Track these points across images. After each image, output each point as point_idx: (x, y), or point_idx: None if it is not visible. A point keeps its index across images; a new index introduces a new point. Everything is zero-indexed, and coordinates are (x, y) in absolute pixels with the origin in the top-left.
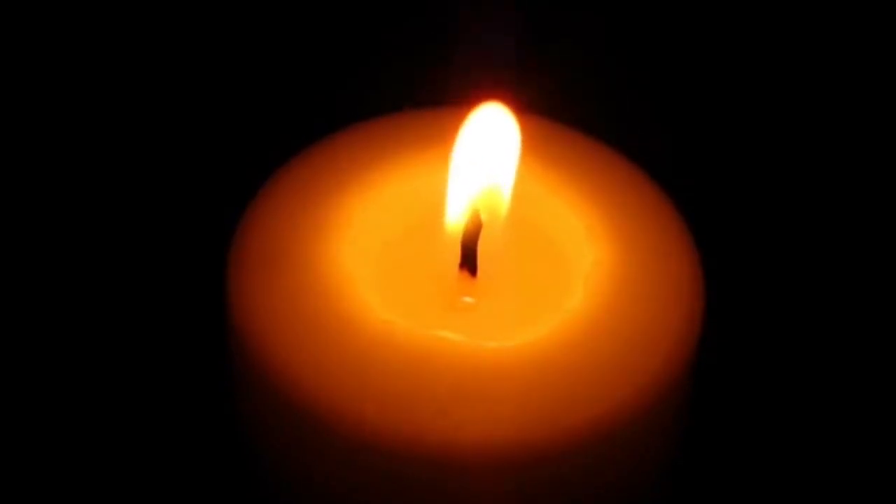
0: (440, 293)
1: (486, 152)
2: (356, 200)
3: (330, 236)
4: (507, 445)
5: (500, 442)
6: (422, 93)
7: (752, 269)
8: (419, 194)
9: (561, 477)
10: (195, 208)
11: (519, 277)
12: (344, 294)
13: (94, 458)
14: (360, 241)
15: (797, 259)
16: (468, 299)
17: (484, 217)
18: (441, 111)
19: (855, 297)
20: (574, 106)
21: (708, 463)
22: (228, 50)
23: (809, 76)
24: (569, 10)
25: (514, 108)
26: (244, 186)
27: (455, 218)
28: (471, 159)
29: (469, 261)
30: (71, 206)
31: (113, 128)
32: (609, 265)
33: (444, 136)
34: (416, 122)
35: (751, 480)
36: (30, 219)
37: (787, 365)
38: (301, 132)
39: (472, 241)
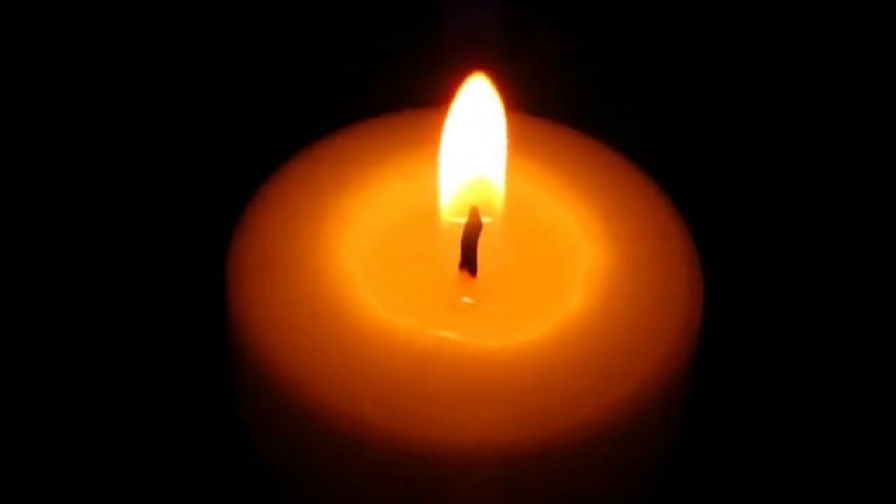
0: (440, 293)
1: (473, 139)
2: (355, 200)
3: (329, 236)
4: (506, 445)
5: (499, 441)
6: (420, 93)
7: (752, 269)
8: (419, 194)
9: (560, 476)
10: (195, 209)
11: (518, 277)
12: (343, 294)
13: (95, 458)
14: (359, 241)
15: (797, 259)
16: (468, 299)
17: (483, 216)
18: (439, 111)
19: (855, 296)
20: (573, 105)
21: (708, 463)
22: (228, 50)
23: (809, 76)
24: (568, 8)
25: (500, 92)
26: (244, 186)
27: (448, 207)
28: (458, 147)
29: (469, 261)
30: (71, 207)
31: (113, 128)
32: (608, 265)
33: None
34: (415, 122)
35: (751, 480)
36: (30, 219)
37: (787, 365)
38: (301, 132)
39: (472, 241)
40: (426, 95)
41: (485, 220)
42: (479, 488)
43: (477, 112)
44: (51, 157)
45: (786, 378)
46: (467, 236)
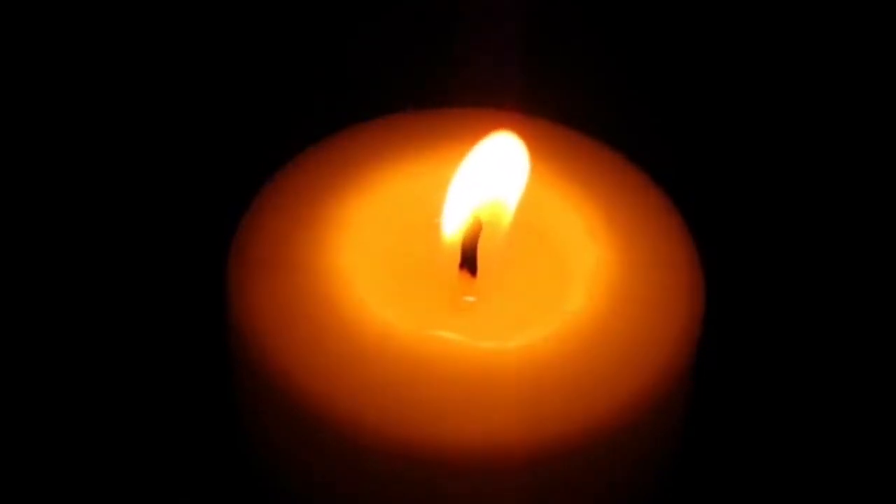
0: (440, 294)
1: (492, 173)
2: (356, 201)
3: (330, 237)
4: (506, 447)
5: (499, 443)
6: (422, 94)
7: (753, 270)
8: (419, 195)
9: (560, 478)
10: (196, 209)
11: (519, 278)
12: (344, 294)
13: (95, 458)
14: (359, 242)
15: (797, 259)
16: (469, 299)
17: (485, 220)
18: (441, 113)
19: (855, 297)
20: (575, 107)
21: (708, 463)
22: (228, 50)
23: (809, 76)
24: (569, 10)
25: (521, 128)
26: (244, 187)
27: (452, 230)
28: (475, 179)
29: (469, 261)
30: (71, 207)
31: (113, 129)
32: (610, 266)
33: (444, 137)
34: (415, 122)
35: (751, 480)
36: (30, 219)
37: (787, 365)
38: (301, 133)
39: (472, 241)
40: (428, 97)
41: (485, 221)
42: (478, 490)
43: (500, 155)
44: (52, 158)
45: (786, 378)
46: (467, 237)
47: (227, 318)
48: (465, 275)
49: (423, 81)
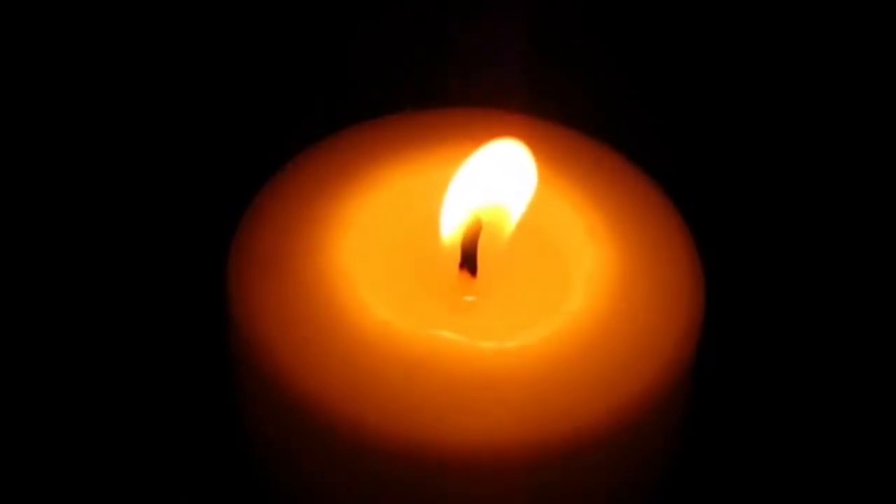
0: (441, 294)
1: (497, 177)
2: (356, 200)
3: (330, 236)
4: (506, 447)
5: (499, 443)
6: (422, 94)
7: (753, 271)
8: (420, 194)
9: (560, 478)
10: (196, 209)
11: (520, 278)
12: (344, 294)
13: (95, 458)
14: (360, 241)
15: (797, 260)
16: (469, 299)
17: (485, 220)
18: (442, 112)
19: (855, 297)
20: (575, 107)
21: (708, 463)
22: (228, 50)
23: (809, 76)
24: (569, 10)
25: (521, 128)
26: (245, 186)
27: (450, 230)
28: (478, 180)
29: (469, 261)
30: (71, 207)
31: (113, 129)
32: (610, 266)
33: (444, 137)
34: (416, 122)
35: (751, 480)
36: (30, 219)
37: (787, 365)
38: (301, 132)
39: (472, 241)
40: (428, 96)
41: (485, 220)
42: (478, 491)
43: (509, 165)
44: (51, 158)
45: (786, 378)
46: (467, 236)
47: (227, 317)
48: (465, 275)
49: (423, 81)
